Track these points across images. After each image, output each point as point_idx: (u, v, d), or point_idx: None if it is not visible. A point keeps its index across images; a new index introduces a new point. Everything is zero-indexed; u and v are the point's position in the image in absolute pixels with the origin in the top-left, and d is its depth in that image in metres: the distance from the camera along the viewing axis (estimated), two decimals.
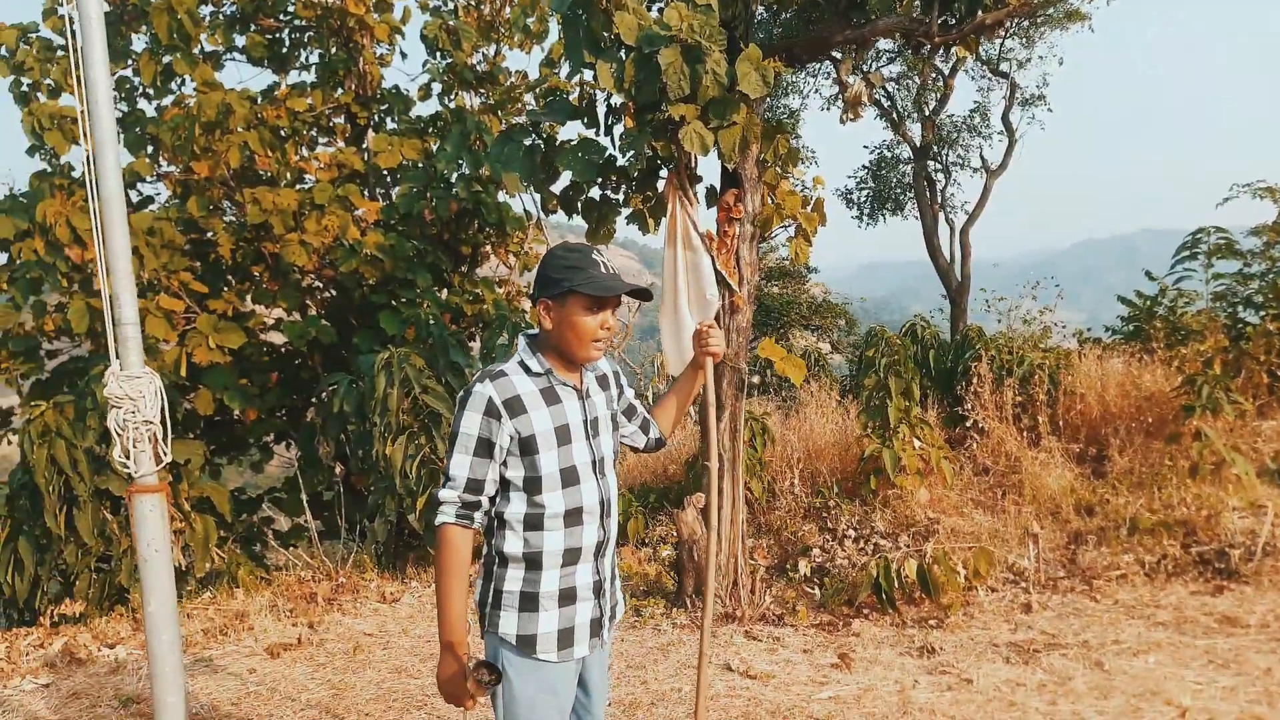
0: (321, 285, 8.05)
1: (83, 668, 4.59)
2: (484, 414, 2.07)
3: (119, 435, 2.91)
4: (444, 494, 2.10)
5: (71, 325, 6.52)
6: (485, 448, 2.08)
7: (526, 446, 2.08)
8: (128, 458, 2.93)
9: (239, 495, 8.16)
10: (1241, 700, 3.50)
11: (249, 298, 7.68)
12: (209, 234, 7.55)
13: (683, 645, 4.47)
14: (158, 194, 8.21)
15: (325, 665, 4.45)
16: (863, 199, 18.13)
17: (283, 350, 8.12)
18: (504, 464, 2.10)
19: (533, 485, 2.10)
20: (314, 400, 7.91)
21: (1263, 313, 8.07)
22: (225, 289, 7.47)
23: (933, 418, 7.55)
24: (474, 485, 2.09)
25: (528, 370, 2.15)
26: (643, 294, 2.18)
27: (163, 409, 2.99)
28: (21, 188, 7.43)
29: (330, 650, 4.65)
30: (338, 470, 7.61)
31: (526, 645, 2.09)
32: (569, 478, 2.12)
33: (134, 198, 8.02)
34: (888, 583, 4.80)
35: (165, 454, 3.00)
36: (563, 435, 2.12)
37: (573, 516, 2.12)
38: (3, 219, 6.71)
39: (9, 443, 7.58)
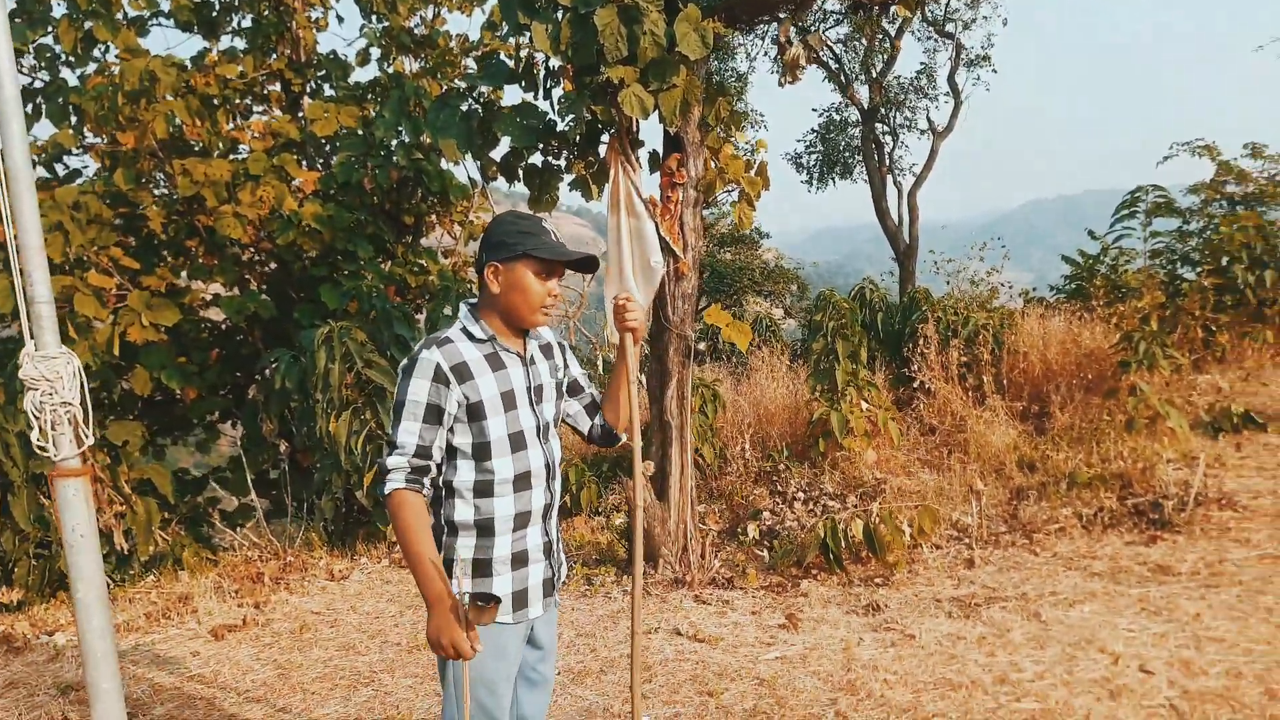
0: (260, 259, 7.84)
1: (20, 656, 4.48)
2: (432, 380, 2.08)
3: (36, 418, 2.80)
4: (392, 461, 2.09)
5: None
6: (434, 414, 2.09)
7: (474, 412, 2.10)
8: (47, 440, 2.82)
9: (183, 476, 7.99)
10: (1171, 645, 3.62)
11: (184, 273, 7.45)
12: (139, 208, 7.29)
13: None
14: (85, 167, 7.91)
15: (271, 645, 4.39)
16: (811, 163, 18.18)
17: (222, 326, 7.91)
18: (451, 430, 2.12)
19: (481, 451, 2.12)
20: (256, 377, 7.74)
21: (1199, 269, 8.29)
22: (158, 264, 7.24)
23: (880, 380, 7.64)
24: (423, 451, 2.10)
25: (471, 337, 2.16)
26: (590, 264, 2.17)
27: (83, 390, 2.88)
28: None
29: (276, 630, 4.58)
30: (283, 448, 7.48)
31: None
32: (516, 443, 2.15)
33: (60, 171, 7.71)
34: (835, 543, 4.86)
35: (87, 436, 2.90)
36: (508, 401, 2.15)
37: (521, 481, 2.16)
38: None
39: None
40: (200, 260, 7.43)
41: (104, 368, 6.68)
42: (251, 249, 7.64)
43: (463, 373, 2.10)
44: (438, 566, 2.05)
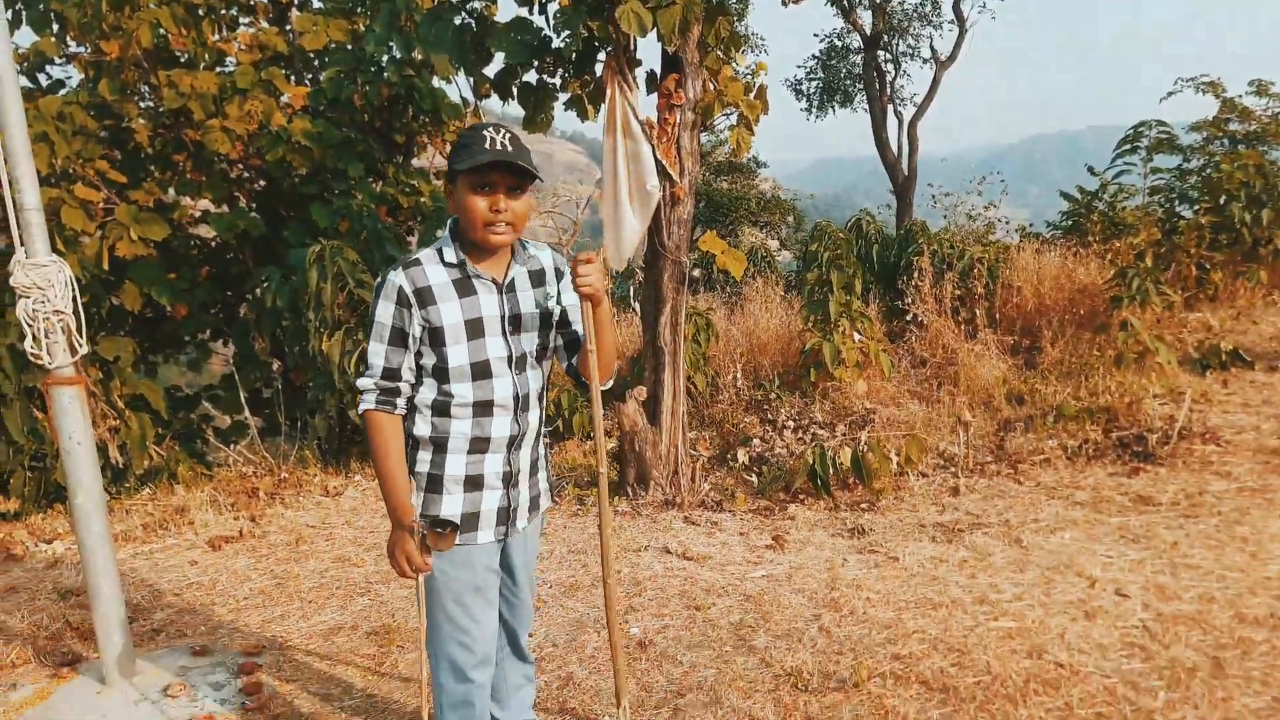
0: (249, 175, 7.72)
1: (19, 563, 4.55)
2: (395, 303, 2.07)
3: (29, 325, 2.80)
4: (363, 381, 2.13)
5: None
6: (399, 336, 2.09)
7: (434, 338, 2.08)
8: (40, 349, 2.82)
9: (176, 393, 8.00)
10: (1148, 571, 3.72)
11: (172, 189, 7.34)
12: (125, 120, 7.14)
13: (624, 531, 4.57)
14: (68, 78, 7.72)
15: (268, 556, 4.47)
16: (812, 90, 17.87)
17: (212, 244, 7.83)
18: (419, 352, 2.12)
19: (441, 374, 2.11)
20: (247, 296, 7.70)
21: (1196, 207, 8.24)
22: (146, 179, 7.12)
23: (874, 312, 7.65)
24: (390, 373, 2.12)
25: (443, 260, 2.11)
26: (523, 173, 2.02)
27: (75, 298, 2.87)
28: None
29: (273, 542, 4.66)
30: (275, 366, 7.50)
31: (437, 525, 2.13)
32: (479, 371, 2.11)
33: (43, 81, 7.51)
34: (823, 469, 4.93)
35: (80, 345, 2.90)
36: (474, 329, 2.10)
37: (482, 408, 2.13)
38: None
39: None
40: (188, 175, 7.31)
41: (93, 282, 6.62)
42: (240, 165, 7.52)
43: (425, 297, 2.07)
44: (403, 491, 2.09)
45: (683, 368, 5.05)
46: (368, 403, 2.13)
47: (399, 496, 2.10)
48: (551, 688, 3.08)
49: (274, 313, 6.32)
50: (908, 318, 7.60)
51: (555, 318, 2.25)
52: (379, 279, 2.12)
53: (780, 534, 4.42)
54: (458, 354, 2.09)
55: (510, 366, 2.14)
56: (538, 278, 2.22)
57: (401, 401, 2.14)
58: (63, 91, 7.36)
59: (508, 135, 2.02)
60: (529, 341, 2.18)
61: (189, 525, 4.94)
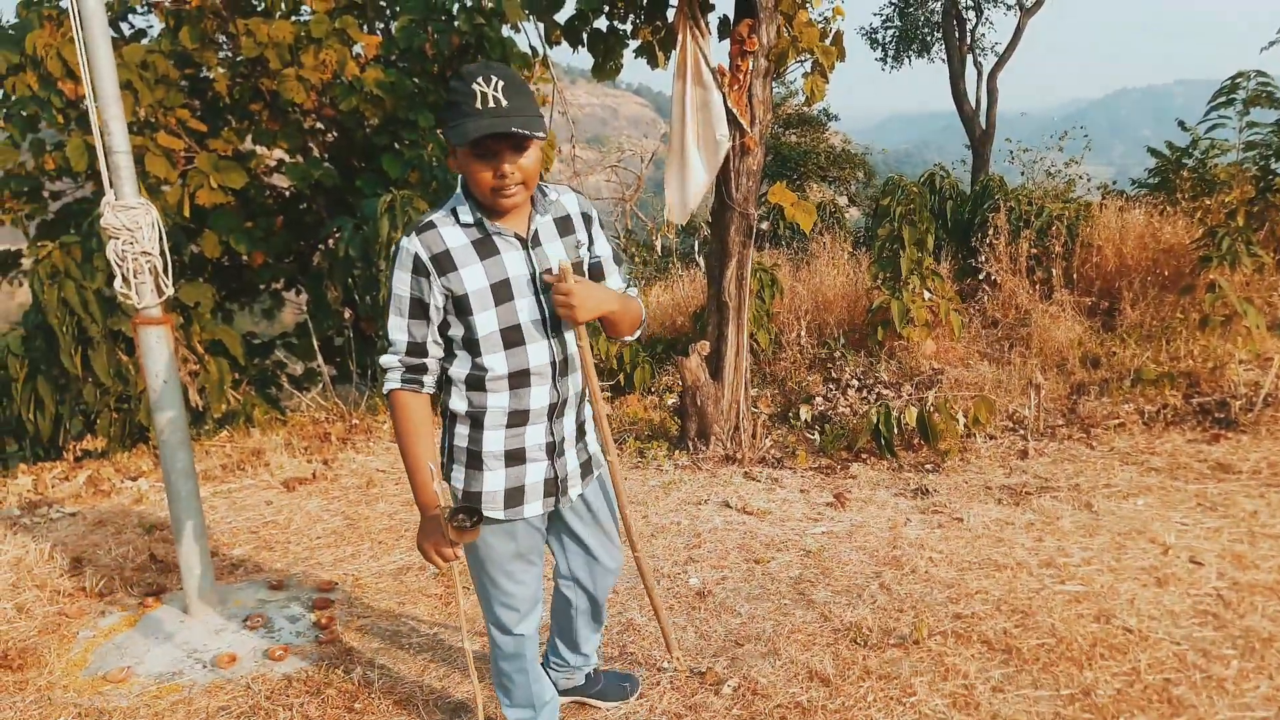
0: (323, 126, 7.84)
1: (107, 498, 4.79)
2: (412, 272, 1.89)
3: (118, 266, 2.90)
4: (385, 359, 1.98)
5: (71, 163, 6.42)
6: (419, 308, 1.92)
7: (460, 306, 1.90)
8: (129, 289, 2.93)
9: (252, 340, 8.27)
10: (1225, 540, 3.60)
11: (249, 138, 7.50)
12: (204, 70, 7.29)
13: (683, 484, 4.60)
14: (150, 27, 7.91)
15: (339, 498, 4.62)
16: (888, 39, 17.30)
17: (287, 193, 8.01)
18: (445, 323, 1.95)
19: (472, 346, 1.94)
20: (320, 245, 7.87)
21: None
22: (224, 128, 7.29)
23: (945, 269, 7.47)
24: (415, 348, 1.96)
25: (459, 220, 1.91)
26: (514, 139, 1.79)
27: (161, 241, 2.96)
28: (10, 18, 7.15)
29: (344, 485, 4.81)
30: (347, 315, 7.67)
31: (471, 499, 2.06)
32: (511, 338, 1.93)
33: (125, 30, 7.70)
34: (887, 429, 4.87)
35: (167, 286, 3.00)
36: (501, 292, 1.91)
37: (518, 378, 1.97)
38: None
39: (20, 284, 7.63)
40: (264, 125, 7.45)
41: (175, 230, 6.84)
42: (314, 115, 7.64)
43: (443, 263, 1.87)
44: (427, 477, 1.96)
45: (747, 323, 5.01)
46: (392, 381, 1.97)
47: (424, 485, 1.97)
48: (612, 632, 3.14)
49: (346, 262, 6.45)
50: (980, 276, 7.40)
51: (588, 269, 2.07)
52: (395, 246, 1.94)
53: (842, 492, 4.39)
54: (486, 321, 1.91)
55: (545, 329, 1.96)
56: (564, 225, 2.02)
57: (429, 379, 1.99)
58: (145, 40, 7.55)
59: (500, 84, 1.76)
60: None
61: (265, 467, 5.12)
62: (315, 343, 7.30)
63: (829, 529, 3.94)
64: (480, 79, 1.75)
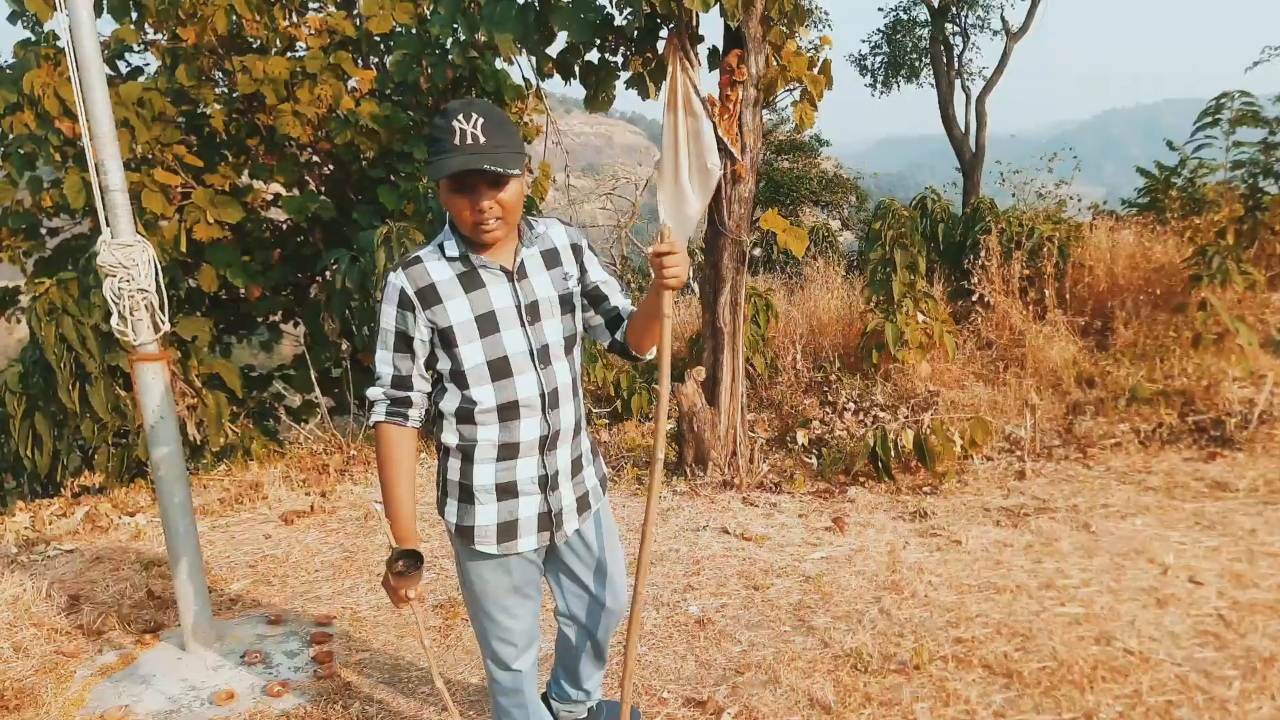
0: (319, 159, 7.90)
1: (105, 534, 4.77)
2: (397, 306, 1.92)
3: (115, 304, 2.92)
4: (372, 392, 2.00)
5: (68, 201, 6.46)
6: (404, 342, 1.95)
7: (445, 339, 1.92)
8: (126, 326, 2.95)
9: (249, 373, 8.27)
10: (1224, 559, 3.60)
11: (246, 172, 7.55)
12: (201, 106, 7.36)
13: (681, 511, 4.60)
14: (146, 64, 7.97)
15: (337, 530, 4.61)
16: (876, 65, 17.50)
17: (284, 227, 8.05)
18: (433, 356, 1.98)
19: (459, 379, 1.95)
20: (317, 277, 7.90)
21: None
22: (221, 163, 7.34)
23: (939, 292, 7.51)
24: (400, 382, 1.97)
25: (445, 253, 1.94)
26: (490, 175, 1.81)
27: (157, 278, 2.99)
28: (7, 58, 7.22)
29: (342, 517, 4.80)
30: (344, 347, 7.69)
31: (465, 536, 2.06)
32: (499, 370, 1.94)
33: (122, 69, 7.78)
34: (884, 451, 4.88)
35: (163, 322, 3.02)
36: (487, 324, 1.93)
37: (507, 410, 1.97)
38: None
39: (17, 321, 7.64)
40: (261, 160, 7.51)
41: (172, 265, 6.87)
42: (310, 149, 7.70)
43: (428, 296, 1.90)
44: (405, 514, 1.97)
45: (742, 349, 5.03)
46: (378, 414, 1.98)
47: (403, 522, 1.97)
48: (611, 663, 3.13)
49: (343, 294, 6.47)
50: (974, 298, 7.44)
51: (581, 297, 2.09)
52: (384, 282, 1.97)
53: (840, 516, 4.39)
54: (472, 353, 1.92)
55: (533, 361, 1.97)
56: (551, 258, 2.03)
57: (414, 413, 1.99)
58: (142, 78, 7.62)
59: (480, 121, 1.78)
60: (551, 331, 2.00)
61: (263, 500, 5.11)
62: (313, 375, 7.31)
63: (828, 554, 3.94)
64: (460, 116, 1.78)
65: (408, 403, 1.98)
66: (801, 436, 5.56)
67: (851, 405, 6.11)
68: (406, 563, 1.95)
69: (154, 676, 3.15)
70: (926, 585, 3.54)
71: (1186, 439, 5.02)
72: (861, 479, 4.96)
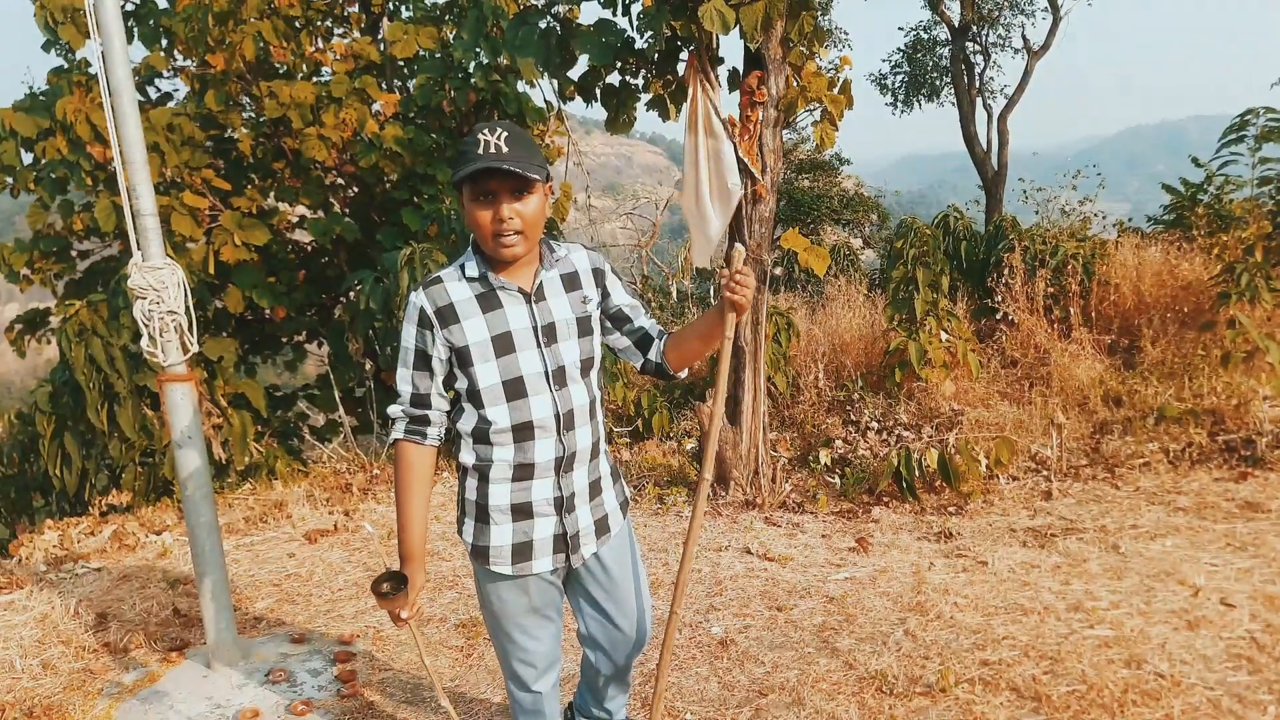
0: (344, 182, 8.01)
1: (132, 553, 4.82)
2: (417, 325, 1.97)
3: (145, 325, 2.96)
4: (392, 409, 2.04)
5: (99, 224, 6.58)
6: (423, 360, 1.99)
7: (461, 358, 1.96)
8: (155, 347, 2.99)
9: (274, 392, 8.36)
10: (1256, 580, 3.54)
11: (272, 195, 7.67)
12: (229, 130, 7.49)
13: (704, 530, 4.58)
14: (176, 90, 8.13)
15: (360, 549, 4.63)
16: (897, 84, 17.50)
17: (309, 248, 8.16)
18: (451, 375, 2.01)
19: (475, 398, 1.98)
20: (341, 298, 7.99)
21: None
22: (248, 186, 7.46)
23: (962, 310, 7.47)
24: (419, 400, 2.01)
25: (465, 274, 1.98)
26: (511, 175, 1.85)
27: (186, 300, 3.03)
28: (41, 85, 7.40)
29: (365, 536, 4.82)
30: (368, 367, 7.75)
31: (480, 556, 2.07)
32: (514, 390, 1.97)
33: (152, 94, 7.94)
34: (908, 471, 4.84)
35: (191, 344, 3.06)
36: (503, 344, 1.96)
37: (522, 431, 1.98)
38: (24, 118, 6.70)
39: (47, 342, 7.77)
40: (287, 182, 7.62)
41: (199, 286, 6.98)
42: (335, 172, 7.81)
43: (447, 316, 1.94)
44: (415, 532, 2.02)
45: (763, 367, 5.03)
46: (397, 431, 2.02)
47: (410, 540, 2.02)
48: (636, 683, 3.11)
49: (367, 314, 6.53)
50: (997, 316, 7.39)
51: (605, 319, 2.13)
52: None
53: (864, 536, 4.36)
54: (487, 373, 1.95)
55: (548, 382, 1.99)
56: (570, 281, 2.05)
57: (433, 431, 2.03)
58: (171, 104, 7.78)
59: (504, 135, 1.84)
60: (569, 352, 2.01)
61: (287, 519, 5.15)
62: (337, 394, 7.37)
63: (852, 574, 3.90)
64: (486, 130, 1.85)
65: (426, 421, 2.02)
66: (824, 456, 5.53)
67: (875, 424, 6.07)
68: (392, 585, 1.99)
69: (179, 694, 3.17)
70: (952, 606, 3.50)
71: (1217, 459, 4.94)
72: (885, 499, 4.92)
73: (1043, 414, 5.77)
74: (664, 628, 2.20)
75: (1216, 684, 2.84)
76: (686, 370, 2.19)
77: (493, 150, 1.82)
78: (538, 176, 1.87)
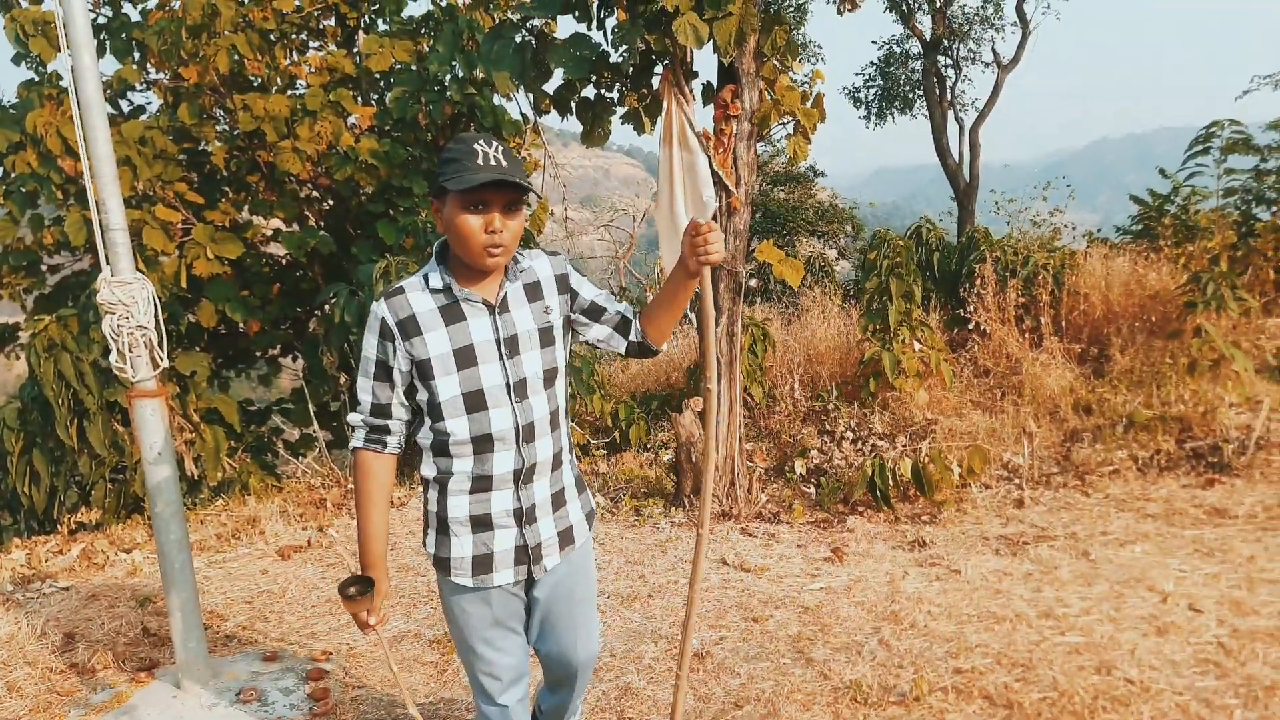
0: (319, 195, 7.97)
1: (101, 571, 4.75)
2: (379, 336, 1.95)
3: (114, 341, 2.94)
4: (352, 418, 2.04)
5: (69, 238, 6.51)
6: (384, 371, 1.97)
7: (422, 371, 1.95)
8: (125, 363, 2.96)
9: (248, 407, 8.28)
10: (1223, 586, 3.59)
11: (246, 208, 7.61)
12: (202, 143, 7.44)
13: (680, 542, 4.58)
14: (149, 103, 8.07)
15: (335, 565, 4.59)
16: (870, 97, 17.69)
17: (283, 262, 8.10)
18: (412, 387, 2.00)
19: (434, 410, 1.97)
20: (316, 311, 7.94)
21: (1275, 209, 7.93)
22: (221, 199, 7.41)
23: (934, 320, 7.54)
24: (379, 409, 2.00)
25: (429, 285, 1.96)
26: (518, 188, 1.87)
27: (156, 315, 3.01)
28: (11, 98, 7.32)
29: (339, 552, 4.78)
30: (343, 381, 7.70)
31: (442, 567, 2.08)
32: (474, 403, 1.96)
33: (125, 107, 7.87)
34: (882, 481, 4.88)
35: (162, 359, 3.04)
36: (465, 357, 1.95)
37: (481, 443, 1.98)
38: None
39: (16, 358, 7.66)
40: (261, 195, 7.58)
41: (171, 300, 6.91)
42: (310, 185, 7.77)
43: (408, 328, 1.93)
44: (375, 540, 2.02)
45: (739, 379, 5.05)
46: (356, 440, 2.03)
47: (371, 547, 2.03)
48: (610, 697, 3.11)
49: (342, 328, 6.50)
50: (970, 326, 7.47)
51: (577, 317, 2.13)
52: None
53: (839, 546, 4.38)
54: (448, 386, 1.94)
55: (509, 394, 1.98)
56: (533, 291, 2.05)
57: (392, 440, 2.02)
58: (144, 117, 7.71)
59: (499, 148, 1.87)
60: (531, 364, 2.01)
61: (260, 535, 5.10)
62: (311, 408, 7.31)
63: (827, 584, 3.92)
64: (481, 141, 1.86)
65: (386, 430, 2.02)
66: (800, 466, 5.56)
67: (849, 434, 6.12)
68: (358, 588, 2.01)
69: (148, 715, 3.12)
70: (926, 615, 3.52)
71: (1184, 465, 5.02)
72: (860, 508, 4.96)
73: (1014, 423, 5.84)
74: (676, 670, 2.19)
75: (1185, 689, 2.88)
76: (666, 344, 2.22)
77: (493, 162, 1.84)
78: (535, 193, 1.92)
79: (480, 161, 1.83)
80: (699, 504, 4.96)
